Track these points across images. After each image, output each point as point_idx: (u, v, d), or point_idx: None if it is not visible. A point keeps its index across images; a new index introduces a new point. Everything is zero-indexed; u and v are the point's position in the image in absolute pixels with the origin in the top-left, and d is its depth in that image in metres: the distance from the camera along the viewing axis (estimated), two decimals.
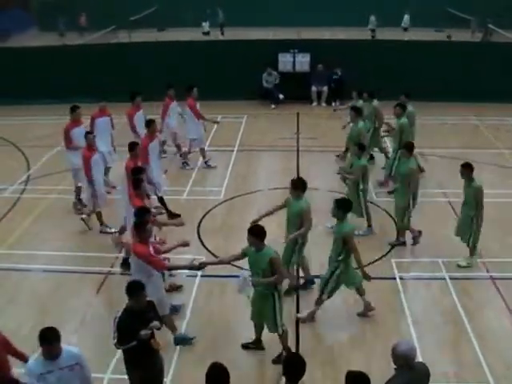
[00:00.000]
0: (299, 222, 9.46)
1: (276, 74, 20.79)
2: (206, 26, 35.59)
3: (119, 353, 8.64)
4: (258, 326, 8.53)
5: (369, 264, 10.78)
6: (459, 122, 18.94)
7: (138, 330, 6.56)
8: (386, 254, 11.19)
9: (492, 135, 17.62)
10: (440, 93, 19.96)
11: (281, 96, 20.76)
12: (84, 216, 12.36)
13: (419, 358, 8.27)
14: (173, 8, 37.32)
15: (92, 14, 35.53)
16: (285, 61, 21.19)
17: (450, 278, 10.36)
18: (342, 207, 8.91)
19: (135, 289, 6.77)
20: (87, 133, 12.38)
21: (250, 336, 8.63)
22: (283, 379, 5.65)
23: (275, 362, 8.35)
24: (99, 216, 12.33)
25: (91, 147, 12.09)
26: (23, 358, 7.03)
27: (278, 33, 32.51)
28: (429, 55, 20.31)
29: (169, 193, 13.94)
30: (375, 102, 15.31)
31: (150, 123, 12.57)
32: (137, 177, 9.98)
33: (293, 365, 5.70)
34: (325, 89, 20.97)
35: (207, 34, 35.11)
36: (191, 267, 8.62)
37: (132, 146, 11.35)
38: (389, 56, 20.42)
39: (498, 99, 19.84)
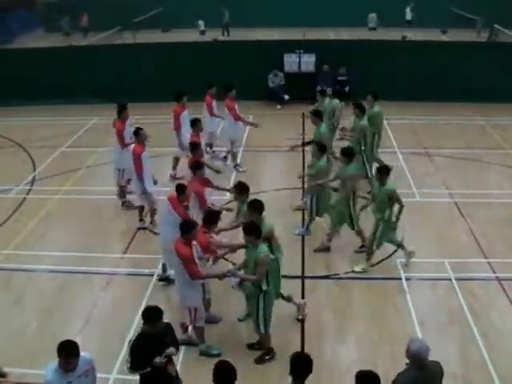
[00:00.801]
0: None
1: (282, 75, 20.75)
2: (201, 24, 35.58)
3: (124, 353, 8.69)
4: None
5: (375, 264, 10.80)
6: (464, 123, 18.88)
7: (153, 355, 6.36)
8: (392, 254, 11.15)
9: (499, 135, 17.55)
10: (445, 93, 19.91)
11: (286, 97, 20.74)
12: (146, 225, 12.31)
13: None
14: (177, 9, 37.35)
15: (97, 15, 35.55)
16: (290, 61, 21.16)
17: (456, 279, 10.32)
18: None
19: (152, 316, 6.50)
20: (138, 129, 12.18)
21: (255, 336, 8.61)
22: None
23: (257, 361, 8.39)
24: (141, 211, 12.34)
25: (142, 143, 11.99)
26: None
27: (283, 33, 32.49)
28: (434, 55, 20.23)
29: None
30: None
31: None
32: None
33: (299, 363, 5.72)
34: (330, 89, 20.89)
35: (203, 33, 35.13)
36: (225, 275, 8.39)
37: (193, 145, 11.61)
38: (394, 56, 20.36)
39: (504, 99, 19.75)
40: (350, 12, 35.22)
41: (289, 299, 9.22)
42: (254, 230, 7.81)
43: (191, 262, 7.96)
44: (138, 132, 12.00)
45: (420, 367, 5.81)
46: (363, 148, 13.17)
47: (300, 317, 9.35)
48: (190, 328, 8.73)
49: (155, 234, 11.61)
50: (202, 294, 8.51)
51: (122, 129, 13.01)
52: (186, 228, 8.08)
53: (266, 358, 8.47)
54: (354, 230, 11.10)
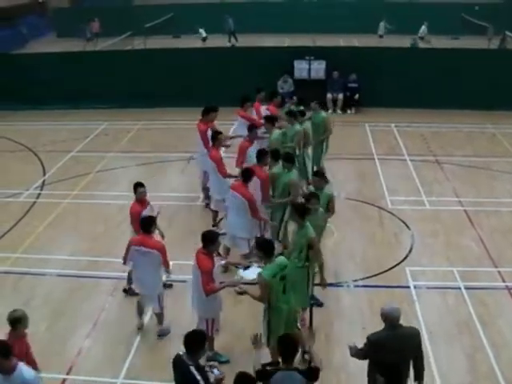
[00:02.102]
0: None
1: (291, 81, 20.72)
2: (202, 32, 35.73)
3: (131, 357, 8.71)
4: None
5: (383, 272, 10.77)
6: (475, 130, 18.82)
7: None
8: (401, 262, 11.11)
9: (509, 143, 17.46)
10: (455, 100, 19.86)
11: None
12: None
13: (433, 368, 8.24)
14: (188, 15, 37.50)
15: (107, 21, 35.77)
16: (300, 68, 21.16)
17: (465, 288, 10.25)
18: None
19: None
20: (216, 133, 11.98)
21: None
22: None
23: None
24: (215, 216, 12.29)
25: (219, 147, 11.83)
26: (35, 366, 6.96)
27: (293, 40, 32.56)
28: (445, 63, 20.20)
29: (185, 198, 14.02)
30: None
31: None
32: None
33: (286, 344, 5.97)
34: (340, 96, 20.93)
35: (205, 39, 35.23)
36: (234, 284, 8.41)
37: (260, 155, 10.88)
38: (404, 63, 20.34)
39: None
40: (360, 19, 35.25)
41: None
42: (263, 247, 7.68)
43: (209, 276, 7.88)
44: (215, 136, 11.83)
45: (391, 327, 6.33)
46: (297, 153, 12.72)
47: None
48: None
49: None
50: (220, 306, 8.43)
51: (205, 130, 12.71)
52: (209, 238, 7.96)
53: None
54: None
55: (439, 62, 20.27)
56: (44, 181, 15.52)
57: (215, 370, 6.19)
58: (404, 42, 29.40)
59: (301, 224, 8.56)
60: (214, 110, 13.01)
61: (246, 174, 10.21)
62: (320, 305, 9.71)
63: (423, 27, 33.73)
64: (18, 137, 18.88)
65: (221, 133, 12.03)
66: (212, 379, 6.01)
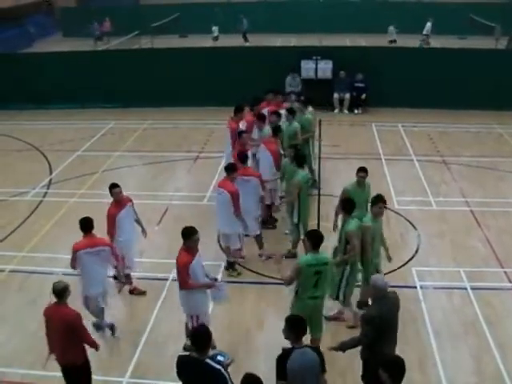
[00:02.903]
0: None
1: (299, 79, 20.67)
2: (215, 30, 35.54)
3: (137, 357, 8.72)
4: None
5: (390, 272, 10.73)
6: (482, 130, 18.76)
7: None
8: (407, 262, 11.08)
9: None
10: (462, 100, 19.80)
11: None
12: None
13: (439, 368, 8.22)
14: (194, 15, 37.55)
15: (114, 21, 35.87)
16: (307, 68, 21.12)
17: (472, 288, 10.22)
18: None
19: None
20: (241, 132, 12.25)
21: (270, 344, 8.54)
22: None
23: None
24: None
25: (244, 146, 12.00)
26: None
27: (300, 40, 32.54)
28: (452, 63, 20.14)
29: (191, 198, 14.03)
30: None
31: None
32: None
33: (296, 325, 6.14)
34: (347, 96, 20.90)
35: (216, 39, 35.16)
36: (212, 285, 8.41)
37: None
38: (411, 63, 20.31)
39: None
40: (367, 18, 35.21)
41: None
42: (312, 237, 7.87)
43: (184, 271, 7.96)
44: (240, 135, 12.06)
45: (381, 297, 6.77)
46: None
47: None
48: None
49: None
50: (204, 303, 8.44)
51: (236, 128, 12.82)
52: (185, 234, 8.05)
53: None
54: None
55: (446, 62, 20.21)
56: (51, 180, 15.56)
57: (220, 357, 6.18)
58: (409, 41, 29.34)
59: (346, 219, 8.96)
60: (242, 108, 13.29)
61: (230, 168, 10.44)
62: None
63: (428, 24, 33.53)
64: (25, 136, 18.94)
65: (245, 132, 12.31)
66: (225, 366, 6.08)
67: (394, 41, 32.67)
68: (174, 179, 15.25)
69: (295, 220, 10.98)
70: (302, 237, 10.84)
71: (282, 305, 9.89)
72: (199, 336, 6.06)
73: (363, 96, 20.59)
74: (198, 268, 8.16)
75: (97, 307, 9.13)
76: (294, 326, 6.13)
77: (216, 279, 8.66)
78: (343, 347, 7.07)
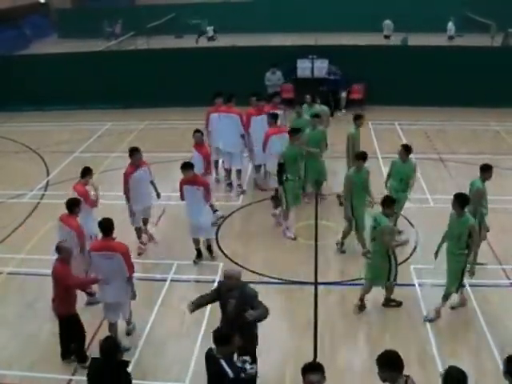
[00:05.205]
0: None
1: (280, 73, 20.41)
2: (210, 30, 35.54)
3: (136, 357, 8.72)
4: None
5: None
6: (478, 128, 18.78)
7: None
8: (405, 260, 11.09)
9: None
10: (459, 98, 19.82)
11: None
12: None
13: (438, 365, 8.22)
14: (190, 15, 37.53)
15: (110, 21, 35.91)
16: (303, 67, 21.12)
17: (470, 285, 10.22)
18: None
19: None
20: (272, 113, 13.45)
21: (271, 346, 8.53)
22: None
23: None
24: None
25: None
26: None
27: (296, 39, 32.50)
28: (448, 60, 20.17)
29: None
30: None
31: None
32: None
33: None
34: (343, 94, 20.90)
35: (211, 39, 35.10)
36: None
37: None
38: (408, 61, 20.33)
39: None
40: (363, 17, 35.21)
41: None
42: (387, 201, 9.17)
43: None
44: (132, 152, 11.84)
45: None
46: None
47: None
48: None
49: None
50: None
51: (253, 114, 14.13)
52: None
53: (393, 304, 9.73)
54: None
55: (443, 59, 20.24)
56: (48, 181, 15.54)
57: (247, 365, 6.24)
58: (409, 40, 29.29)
59: (460, 213, 9.01)
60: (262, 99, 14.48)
61: (187, 166, 10.92)
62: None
63: (450, 23, 33.24)
64: (22, 138, 18.92)
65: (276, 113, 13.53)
66: (243, 374, 6.12)
67: (389, 36, 32.48)
68: (172, 180, 15.18)
69: (349, 213, 11.13)
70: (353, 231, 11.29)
71: (281, 304, 9.92)
72: (219, 335, 6.17)
73: (343, 94, 20.53)
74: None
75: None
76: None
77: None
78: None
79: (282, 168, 11.87)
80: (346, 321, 9.48)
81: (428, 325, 9.25)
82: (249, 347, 7.17)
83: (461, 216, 9.00)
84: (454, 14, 34.02)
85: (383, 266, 9.38)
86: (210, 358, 6.21)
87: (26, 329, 9.47)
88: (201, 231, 11.24)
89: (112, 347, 6.34)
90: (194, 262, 11.17)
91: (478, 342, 8.88)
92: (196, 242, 11.32)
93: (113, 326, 8.86)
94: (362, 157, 11.11)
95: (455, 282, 9.29)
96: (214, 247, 11.63)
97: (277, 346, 8.81)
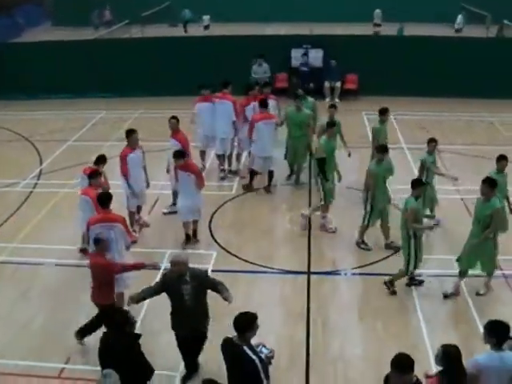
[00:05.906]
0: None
1: (267, 66, 20.32)
2: (206, 19, 35.30)
3: None
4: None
5: (381, 260, 10.79)
6: (473, 119, 18.80)
7: None
8: (399, 250, 11.10)
9: (508, 132, 17.43)
10: (453, 88, 19.83)
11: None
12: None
13: (430, 356, 8.25)
14: (184, 3, 37.28)
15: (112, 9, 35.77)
16: (298, 56, 21.10)
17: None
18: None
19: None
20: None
21: (262, 334, 8.53)
22: None
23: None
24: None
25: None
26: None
27: (290, 28, 32.35)
28: (443, 51, 20.15)
29: None
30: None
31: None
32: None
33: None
34: (338, 84, 20.88)
35: (207, 27, 34.90)
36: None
37: None
38: (402, 51, 20.30)
39: None
40: (357, 7, 35.00)
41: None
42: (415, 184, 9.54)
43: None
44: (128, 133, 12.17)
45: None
46: None
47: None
48: None
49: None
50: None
51: (246, 104, 14.41)
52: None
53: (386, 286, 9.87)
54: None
55: (437, 50, 20.23)
56: (41, 170, 15.49)
57: (264, 349, 6.31)
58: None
59: (489, 196, 9.13)
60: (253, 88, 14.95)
61: (178, 155, 11.01)
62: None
63: (460, 17, 33.01)
64: (15, 126, 18.83)
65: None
66: (266, 358, 6.17)
67: (379, 25, 32.24)
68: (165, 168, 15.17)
69: (368, 208, 11.15)
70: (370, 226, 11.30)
71: (274, 294, 9.94)
72: (242, 321, 6.18)
73: (337, 84, 20.67)
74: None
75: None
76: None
77: None
78: None
79: (324, 163, 11.79)
80: (338, 310, 9.52)
81: (420, 314, 9.30)
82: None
83: (488, 200, 9.13)
84: (449, 4, 33.99)
85: (404, 252, 9.66)
86: (231, 347, 6.18)
87: (18, 318, 9.45)
88: (193, 213, 11.35)
89: (124, 319, 6.42)
90: (183, 248, 11.17)
91: (469, 332, 8.91)
92: (186, 226, 11.35)
93: (121, 297, 8.96)
94: (382, 150, 11.23)
95: (489, 266, 9.65)
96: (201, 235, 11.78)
97: (270, 335, 8.81)
